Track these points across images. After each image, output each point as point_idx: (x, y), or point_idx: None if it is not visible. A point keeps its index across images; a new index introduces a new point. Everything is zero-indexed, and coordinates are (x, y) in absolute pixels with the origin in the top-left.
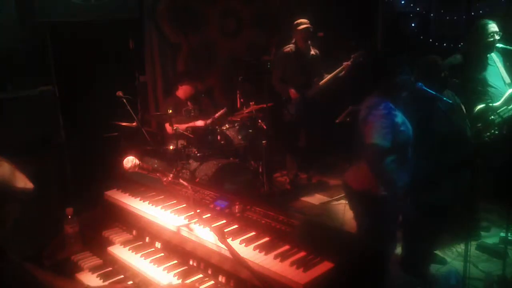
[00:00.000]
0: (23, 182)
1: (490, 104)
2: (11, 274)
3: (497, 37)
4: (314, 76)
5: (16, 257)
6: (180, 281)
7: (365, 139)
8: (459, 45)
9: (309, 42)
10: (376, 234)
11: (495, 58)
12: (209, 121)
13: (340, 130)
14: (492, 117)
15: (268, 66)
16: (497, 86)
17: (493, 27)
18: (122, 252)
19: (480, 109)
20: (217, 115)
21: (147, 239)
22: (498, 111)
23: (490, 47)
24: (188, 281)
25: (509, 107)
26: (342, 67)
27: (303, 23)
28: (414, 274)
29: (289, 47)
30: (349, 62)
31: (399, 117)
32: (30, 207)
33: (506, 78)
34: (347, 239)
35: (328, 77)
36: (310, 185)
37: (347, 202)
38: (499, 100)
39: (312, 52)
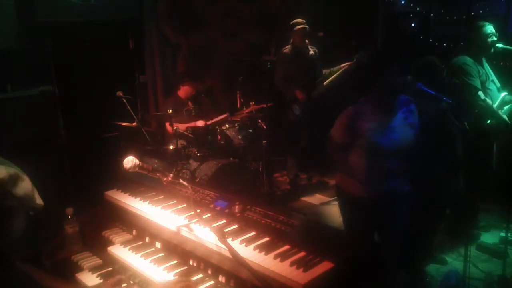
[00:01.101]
0: (39, 198)
1: (489, 101)
2: (12, 278)
3: (494, 39)
4: (316, 76)
5: (16, 260)
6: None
7: None
8: (460, 44)
9: (307, 41)
10: (358, 233)
11: (485, 63)
12: (209, 123)
13: None
14: (489, 121)
15: (268, 66)
16: (492, 89)
17: (489, 28)
18: (122, 252)
19: (480, 108)
20: (217, 119)
21: (147, 239)
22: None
23: (487, 48)
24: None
25: (503, 111)
26: (344, 67)
27: (300, 23)
28: (414, 274)
29: (287, 48)
30: (351, 62)
31: (371, 124)
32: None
33: (497, 83)
34: (347, 239)
35: (331, 78)
36: (310, 185)
37: (337, 201)
38: (494, 103)
39: (311, 51)
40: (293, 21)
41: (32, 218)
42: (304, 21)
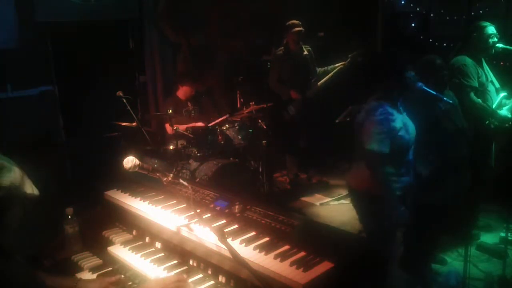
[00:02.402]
0: (30, 188)
1: (489, 104)
2: (15, 276)
3: (495, 39)
4: (310, 76)
5: (19, 258)
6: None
7: (364, 145)
8: (458, 44)
9: (300, 42)
10: (379, 234)
11: (484, 64)
12: (210, 125)
13: (340, 130)
14: (488, 121)
15: (268, 66)
16: (491, 90)
17: (491, 29)
18: (122, 252)
19: (476, 110)
20: (218, 120)
21: (147, 239)
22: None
23: (488, 49)
24: (189, 281)
25: (501, 111)
26: (338, 67)
27: (296, 24)
28: (414, 274)
29: (281, 49)
30: (345, 62)
31: (398, 122)
32: (29, 207)
33: (496, 83)
34: (347, 239)
35: (326, 77)
36: (310, 185)
37: (351, 203)
38: (493, 104)
39: (305, 52)
40: (289, 23)
41: (31, 217)
42: (300, 23)
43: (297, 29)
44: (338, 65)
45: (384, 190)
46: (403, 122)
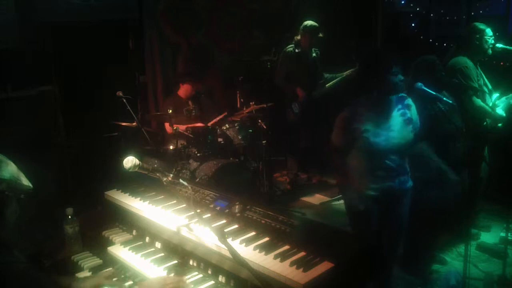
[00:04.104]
0: (26, 181)
1: (486, 104)
2: (14, 271)
3: (493, 41)
4: (317, 77)
5: (18, 254)
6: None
7: None
8: (455, 45)
9: None
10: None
11: (478, 65)
12: (209, 124)
13: None
14: (485, 122)
15: (268, 66)
16: (486, 91)
17: (489, 31)
18: (122, 252)
19: (477, 112)
20: (217, 119)
21: (147, 239)
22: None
23: (486, 51)
24: (188, 281)
25: (496, 110)
26: (347, 73)
27: (318, 28)
28: (414, 274)
29: (291, 47)
30: (354, 69)
31: (367, 124)
32: (30, 206)
33: (488, 85)
34: (347, 239)
35: (334, 80)
36: (310, 185)
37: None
38: (490, 105)
39: (314, 54)
40: (312, 24)
41: (31, 216)
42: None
43: (321, 35)
44: (347, 72)
45: (339, 175)
46: (380, 125)
